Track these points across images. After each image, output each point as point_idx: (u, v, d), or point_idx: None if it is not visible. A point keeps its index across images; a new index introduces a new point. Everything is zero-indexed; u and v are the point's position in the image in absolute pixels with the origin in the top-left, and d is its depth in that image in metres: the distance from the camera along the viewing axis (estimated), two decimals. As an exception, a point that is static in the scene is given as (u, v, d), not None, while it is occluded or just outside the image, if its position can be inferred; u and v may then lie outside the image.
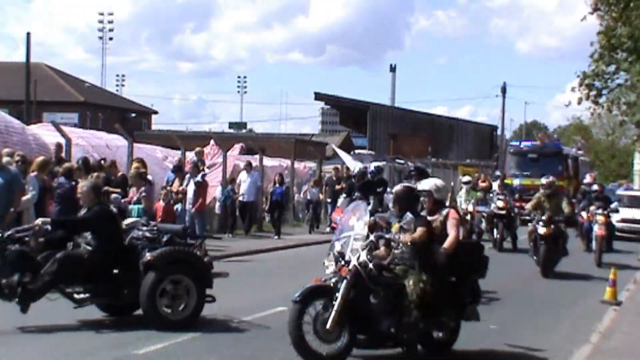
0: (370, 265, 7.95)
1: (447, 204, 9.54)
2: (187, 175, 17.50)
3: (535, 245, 16.01)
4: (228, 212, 21.90)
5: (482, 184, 23.57)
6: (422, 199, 8.93)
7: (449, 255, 8.31)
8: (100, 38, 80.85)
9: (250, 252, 18.04)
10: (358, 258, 7.95)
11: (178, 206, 17.09)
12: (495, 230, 20.88)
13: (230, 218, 21.92)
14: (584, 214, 20.25)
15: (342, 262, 7.98)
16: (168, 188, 16.94)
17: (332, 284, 7.95)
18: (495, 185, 23.74)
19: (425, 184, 9.14)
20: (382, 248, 8.40)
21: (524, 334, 10.06)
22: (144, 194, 14.77)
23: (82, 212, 9.88)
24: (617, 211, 20.14)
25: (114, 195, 14.81)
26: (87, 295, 9.32)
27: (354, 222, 8.34)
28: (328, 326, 7.74)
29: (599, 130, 71.37)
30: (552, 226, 15.70)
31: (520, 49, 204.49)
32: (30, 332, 8.89)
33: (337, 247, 8.26)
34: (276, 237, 21.81)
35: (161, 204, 16.11)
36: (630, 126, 22.68)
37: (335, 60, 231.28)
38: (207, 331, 9.30)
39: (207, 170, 19.57)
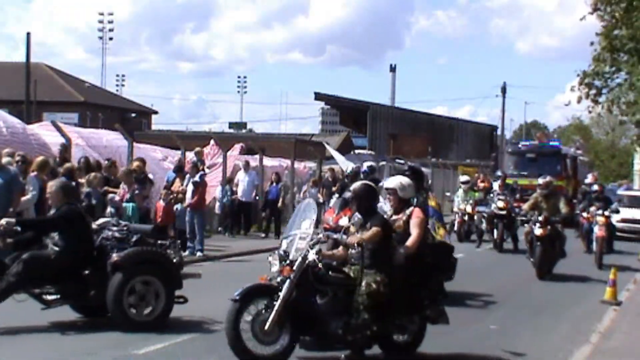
0: (320, 265, 7.72)
1: (415, 202, 9.26)
2: (187, 175, 17.50)
3: (531, 246, 15.74)
4: (227, 212, 21.92)
5: (481, 184, 23.53)
6: (387, 196, 8.73)
7: (412, 255, 8.04)
8: (100, 38, 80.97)
9: (250, 252, 18.02)
10: (305, 257, 7.70)
11: (178, 206, 17.09)
12: (495, 231, 20.78)
13: (230, 218, 21.95)
14: (584, 214, 20.17)
15: (287, 262, 7.74)
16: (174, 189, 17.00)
17: (276, 283, 7.73)
18: (496, 186, 23.66)
19: (390, 182, 8.86)
20: (341, 248, 8.18)
21: (524, 334, 10.06)
22: (136, 191, 14.75)
23: (51, 212, 9.73)
24: (617, 212, 20.03)
25: (110, 195, 14.80)
26: (57, 296, 9.17)
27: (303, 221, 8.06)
28: (266, 327, 7.51)
29: (599, 130, 71.47)
30: (549, 227, 15.47)
31: (520, 49, 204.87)
32: (23, 334, 8.85)
33: (284, 245, 8.04)
34: (263, 235, 21.99)
35: (161, 204, 16.13)
36: (630, 126, 22.67)
37: (335, 60, 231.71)
38: (207, 331, 9.30)
39: (207, 170, 19.55)
